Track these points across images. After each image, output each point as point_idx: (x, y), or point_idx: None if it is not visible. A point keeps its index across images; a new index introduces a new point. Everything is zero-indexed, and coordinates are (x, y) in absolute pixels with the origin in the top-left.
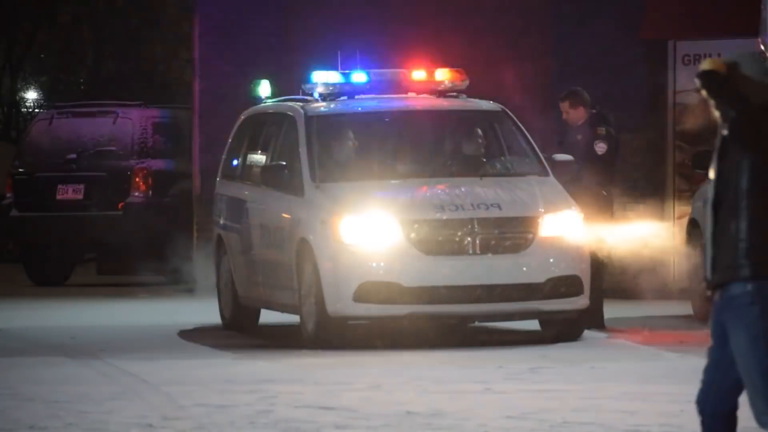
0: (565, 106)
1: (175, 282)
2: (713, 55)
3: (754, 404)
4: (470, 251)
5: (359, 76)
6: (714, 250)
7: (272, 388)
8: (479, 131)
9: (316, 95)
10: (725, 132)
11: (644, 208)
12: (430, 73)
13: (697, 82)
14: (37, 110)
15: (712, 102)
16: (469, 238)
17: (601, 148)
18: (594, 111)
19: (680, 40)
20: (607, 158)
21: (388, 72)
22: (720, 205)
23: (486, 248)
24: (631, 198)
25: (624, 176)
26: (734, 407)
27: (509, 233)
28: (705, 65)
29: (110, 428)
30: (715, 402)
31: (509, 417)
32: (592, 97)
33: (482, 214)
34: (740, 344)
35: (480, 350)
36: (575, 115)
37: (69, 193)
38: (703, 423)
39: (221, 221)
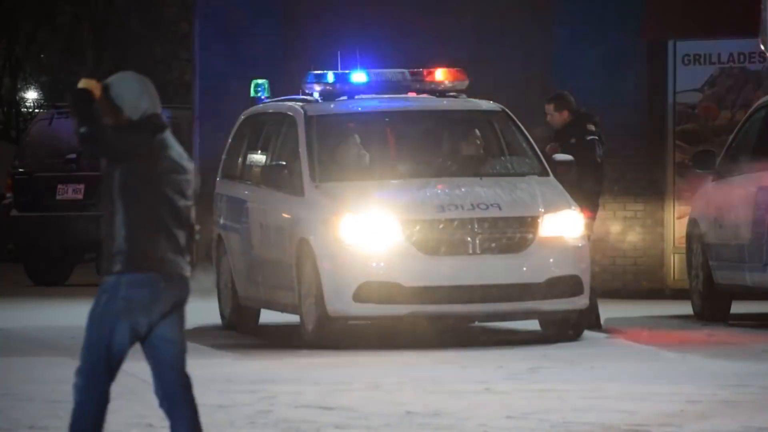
0: (550, 108)
1: None
2: (713, 55)
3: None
4: (470, 251)
5: (359, 76)
6: (104, 244)
7: (272, 388)
8: (477, 132)
9: (316, 95)
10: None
11: (644, 208)
12: (430, 73)
13: (68, 99)
14: (37, 110)
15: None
16: (469, 238)
17: (590, 137)
18: (582, 110)
19: (680, 40)
20: (595, 150)
21: (388, 72)
22: (105, 204)
23: (486, 248)
24: (631, 198)
25: (624, 176)
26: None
27: (509, 233)
28: (80, 83)
29: (110, 428)
30: (157, 388)
31: (509, 417)
32: (584, 98)
33: (482, 214)
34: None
35: (480, 350)
36: (559, 118)
37: (69, 193)
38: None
39: (221, 221)
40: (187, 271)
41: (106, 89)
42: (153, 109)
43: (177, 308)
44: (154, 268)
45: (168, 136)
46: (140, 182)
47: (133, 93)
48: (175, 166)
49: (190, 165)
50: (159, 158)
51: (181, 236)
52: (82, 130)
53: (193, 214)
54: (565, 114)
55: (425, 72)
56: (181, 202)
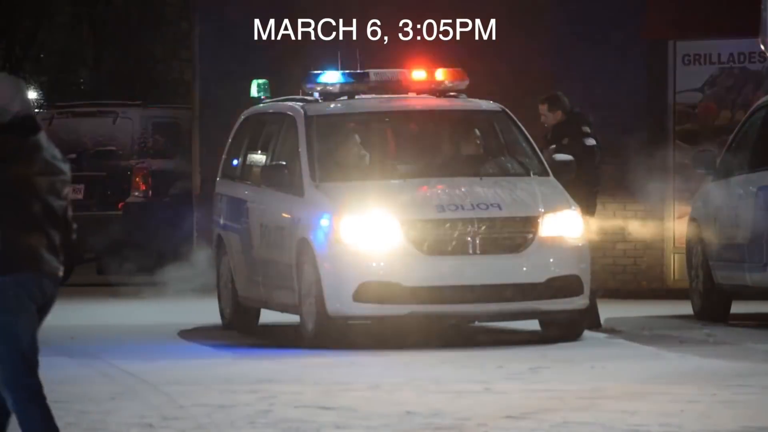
0: (543, 108)
1: (174, 282)
2: (713, 55)
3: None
4: (470, 251)
5: (359, 76)
6: None
7: (272, 388)
8: (477, 132)
9: (316, 95)
10: None
11: (644, 208)
12: (430, 73)
13: None
14: (37, 110)
15: None
16: (469, 238)
17: (591, 141)
18: (575, 110)
19: (680, 40)
20: (596, 155)
21: (388, 72)
22: None
23: (486, 248)
24: (631, 198)
25: (624, 176)
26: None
27: (509, 233)
28: None
29: (110, 428)
30: None
31: (509, 417)
32: (584, 98)
33: (482, 213)
34: None
35: (480, 350)
36: (552, 118)
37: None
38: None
39: (221, 221)
40: (60, 271)
41: None
42: (26, 111)
43: (43, 310)
44: (32, 267)
45: (42, 137)
46: (12, 184)
47: (4, 95)
48: (49, 168)
49: (65, 166)
50: (31, 160)
51: (56, 236)
52: None
53: (70, 213)
54: (559, 114)
55: (425, 72)
56: (56, 203)
